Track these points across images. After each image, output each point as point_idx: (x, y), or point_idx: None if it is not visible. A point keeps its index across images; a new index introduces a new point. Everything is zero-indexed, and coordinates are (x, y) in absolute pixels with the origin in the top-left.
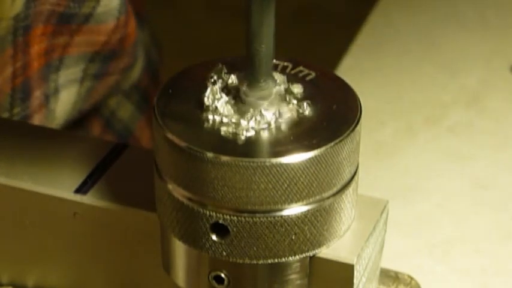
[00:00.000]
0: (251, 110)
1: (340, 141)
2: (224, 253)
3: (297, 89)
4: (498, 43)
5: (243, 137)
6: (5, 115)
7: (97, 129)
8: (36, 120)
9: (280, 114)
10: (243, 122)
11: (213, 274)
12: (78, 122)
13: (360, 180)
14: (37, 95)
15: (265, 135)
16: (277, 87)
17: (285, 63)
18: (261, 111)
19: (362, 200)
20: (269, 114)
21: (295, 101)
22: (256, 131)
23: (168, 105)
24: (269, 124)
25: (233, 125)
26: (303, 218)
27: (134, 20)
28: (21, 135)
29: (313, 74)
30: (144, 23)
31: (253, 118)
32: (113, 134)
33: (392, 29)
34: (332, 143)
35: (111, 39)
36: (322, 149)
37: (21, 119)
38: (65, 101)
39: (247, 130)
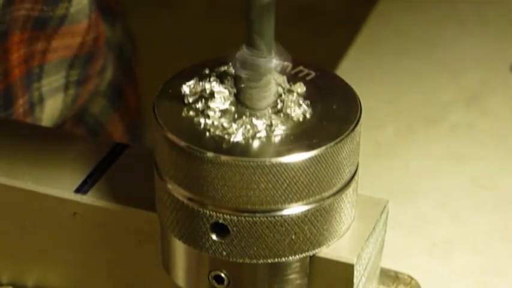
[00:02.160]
0: (251, 109)
1: (340, 141)
2: (224, 253)
3: (300, 88)
4: (498, 43)
5: (242, 137)
6: None
7: (68, 123)
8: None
9: (279, 114)
10: (243, 122)
11: (213, 274)
12: None
13: (360, 180)
14: (21, 103)
15: (265, 135)
16: (277, 87)
17: (285, 63)
18: (261, 111)
19: (362, 200)
20: (269, 114)
21: (295, 101)
22: (255, 131)
23: (167, 105)
24: (269, 124)
25: (233, 125)
26: (303, 217)
27: (100, 17)
28: (21, 135)
29: (313, 74)
30: (116, 18)
31: (253, 118)
32: (84, 128)
33: (392, 29)
34: (332, 143)
35: (86, 40)
36: (322, 148)
37: None
38: (51, 109)
39: (247, 130)
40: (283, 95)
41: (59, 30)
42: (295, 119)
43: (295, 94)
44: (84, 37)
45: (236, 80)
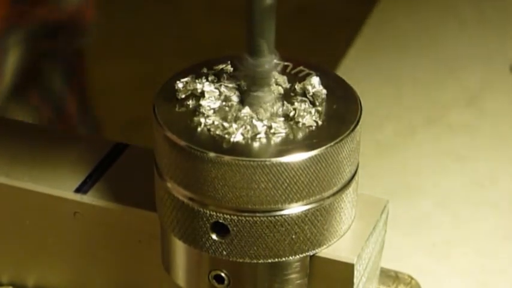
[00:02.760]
0: (251, 109)
1: (341, 140)
2: (224, 252)
3: (300, 87)
4: (498, 43)
5: (242, 137)
6: None
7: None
8: None
9: (279, 113)
10: (244, 122)
11: (213, 273)
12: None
13: (360, 180)
14: None
15: (265, 134)
16: (278, 87)
17: (285, 63)
18: (260, 112)
19: (362, 200)
20: (268, 114)
21: (296, 101)
22: (255, 131)
23: (167, 105)
24: (269, 124)
25: (234, 123)
26: (303, 217)
27: (93, 12)
28: (21, 135)
29: (313, 74)
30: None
31: (254, 118)
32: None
33: (392, 29)
34: (332, 143)
35: (68, 19)
36: (323, 148)
37: None
38: (11, 61)
39: (246, 130)
40: (295, 103)
41: (42, 2)
42: (306, 126)
43: (307, 103)
44: (65, 18)
45: (237, 81)
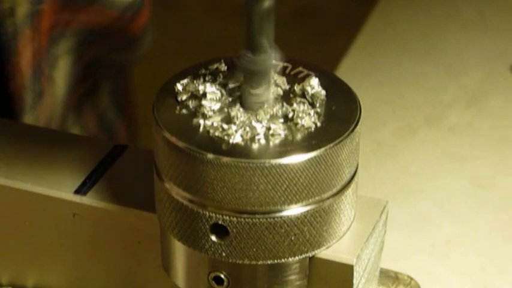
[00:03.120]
0: (251, 111)
1: (340, 142)
2: (224, 254)
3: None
4: (498, 43)
5: (241, 139)
6: (29, 94)
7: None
8: (46, 93)
9: (278, 115)
10: (243, 124)
11: (212, 275)
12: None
13: (360, 181)
14: (45, 69)
15: (264, 136)
16: (277, 88)
17: (285, 64)
18: (260, 113)
19: (362, 201)
20: (268, 116)
21: (295, 102)
22: (254, 133)
23: (167, 106)
24: (268, 125)
25: (233, 125)
26: (302, 218)
27: (144, 24)
28: (21, 136)
29: (312, 75)
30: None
31: (253, 120)
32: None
33: (392, 29)
34: (331, 144)
35: (113, 25)
36: (322, 149)
37: (37, 96)
38: (63, 70)
39: (245, 132)
40: (294, 104)
41: (87, 8)
42: (306, 127)
43: (306, 104)
44: (112, 22)
45: (236, 81)
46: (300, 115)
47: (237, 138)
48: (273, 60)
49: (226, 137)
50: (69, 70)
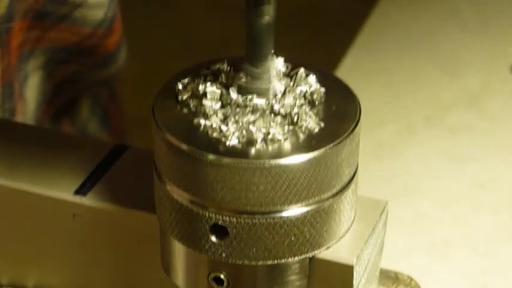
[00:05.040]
0: (251, 110)
1: (340, 142)
2: (224, 254)
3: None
4: (498, 44)
5: (241, 139)
6: (1, 113)
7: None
8: (18, 111)
9: (278, 115)
10: (242, 125)
11: (212, 275)
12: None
13: (360, 181)
14: (16, 86)
15: (264, 136)
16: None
17: (284, 64)
18: (260, 114)
19: (361, 201)
20: (267, 117)
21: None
22: (255, 133)
23: (167, 107)
24: (267, 126)
25: (232, 127)
26: (302, 219)
27: (117, 41)
28: (21, 137)
29: (312, 75)
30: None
31: (252, 121)
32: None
33: (392, 29)
34: (331, 144)
35: (84, 42)
36: (322, 150)
37: (9, 114)
38: (32, 87)
39: (243, 133)
40: (296, 107)
41: (58, 26)
42: (305, 127)
43: (309, 107)
44: (83, 40)
45: (235, 82)
46: (300, 115)
47: (233, 141)
48: (273, 73)
49: (223, 139)
50: (39, 88)
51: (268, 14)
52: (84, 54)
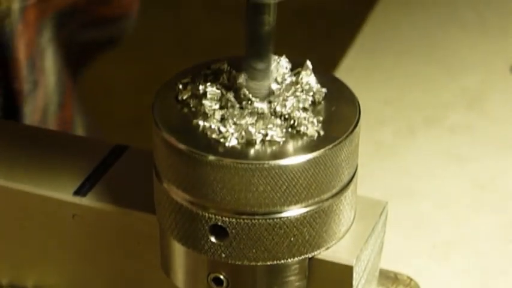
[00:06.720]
0: (251, 112)
1: (339, 143)
2: (223, 255)
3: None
4: (498, 44)
5: (240, 140)
6: (27, 85)
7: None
8: (41, 83)
9: (277, 116)
10: (241, 126)
11: (212, 276)
12: None
13: (360, 181)
14: (37, 60)
15: (263, 137)
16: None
17: (284, 64)
18: (259, 115)
19: (361, 202)
20: (266, 117)
21: (294, 102)
22: (254, 134)
23: (166, 107)
24: (266, 127)
25: (231, 128)
26: (301, 219)
27: (118, 13)
28: (20, 137)
29: (311, 75)
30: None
31: (252, 123)
32: None
33: (392, 29)
34: (331, 145)
35: (80, 2)
36: (321, 151)
37: (33, 86)
38: (49, 59)
39: (242, 134)
40: (296, 108)
41: None
42: (309, 131)
43: (308, 107)
44: (77, 2)
45: (235, 83)
46: (299, 116)
47: (232, 142)
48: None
49: (223, 139)
50: (55, 58)
51: (268, 24)
52: (80, 12)
